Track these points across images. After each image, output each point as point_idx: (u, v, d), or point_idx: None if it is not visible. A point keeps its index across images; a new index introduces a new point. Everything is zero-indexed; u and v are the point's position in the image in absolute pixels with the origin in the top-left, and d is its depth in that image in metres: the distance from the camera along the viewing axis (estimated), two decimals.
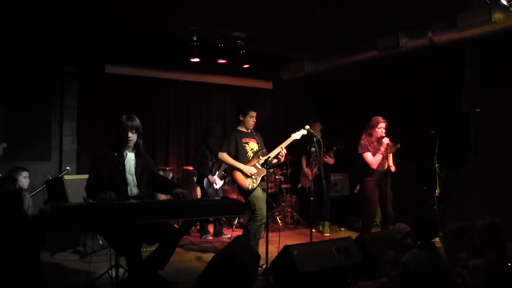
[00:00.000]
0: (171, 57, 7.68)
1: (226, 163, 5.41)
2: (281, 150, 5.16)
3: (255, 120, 5.38)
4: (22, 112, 6.69)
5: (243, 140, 5.28)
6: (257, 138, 5.39)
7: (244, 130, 5.35)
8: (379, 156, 5.55)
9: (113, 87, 7.64)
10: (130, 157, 3.90)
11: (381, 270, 4.15)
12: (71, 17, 6.06)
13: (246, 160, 5.19)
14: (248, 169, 5.10)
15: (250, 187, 5.06)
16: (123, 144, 3.87)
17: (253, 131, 5.40)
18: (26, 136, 6.69)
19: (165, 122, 8.18)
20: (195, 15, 6.08)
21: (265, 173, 5.09)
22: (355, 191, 6.36)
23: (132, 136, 3.86)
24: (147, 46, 7.41)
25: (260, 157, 5.19)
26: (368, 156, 5.60)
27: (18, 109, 6.65)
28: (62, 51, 6.68)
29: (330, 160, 7.04)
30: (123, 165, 3.85)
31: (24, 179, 5.40)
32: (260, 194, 5.12)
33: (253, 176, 5.10)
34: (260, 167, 5.15)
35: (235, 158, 5.17)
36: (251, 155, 5.25)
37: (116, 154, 3.84)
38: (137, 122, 3.90)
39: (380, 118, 5.65)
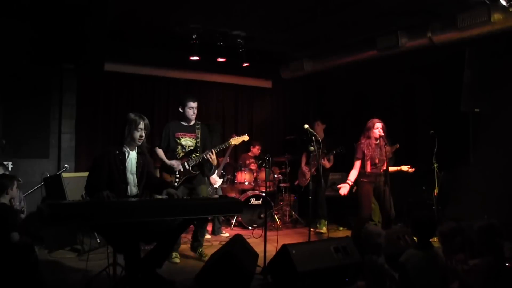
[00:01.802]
0: (171, 55, 7.67)
1: (160, 159, 5.10)
2: (209, 153, 5.07)
3: (195, 112, 5.15)
4: (20, 109, 6.67)
5: (177, 134, 5.10)
6: (200, 133, 5.16)
7: (183, 123, 5.14)
8: (354, 173, 5.57)
9: (112, 85, 7.63)
10: (131, 156, 3.89)
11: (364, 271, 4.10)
12: (70, 14, 6.04)
13: (174, 157, 5.04)
14: (174, 164, 4.94)
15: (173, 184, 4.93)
16: (132, 142, 3.84)
17: (198, 124, 5.20)
18: (25, 133, 6.67)
19: (164, 120, 8.12)
20: (194, 13, 6.07)
21: (193, 176, 4.96)
22: (353, 190, 6.37)
23: (144, 136, 3.85)
24: (147, 44, 7.40)
25: (193, 156, 5.04)
26: (356, 164, 5.63)
27: (16, 106, 6.63)
28: (60, 48, 6.66)
29: (327, 164, 7.02)
30: (124, 164, 3.83)
31: (15, 189, 5.26)
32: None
33: (177, 174, 4.96)
34: (187, 167, 5.02)
35: (166, 153, 5.04)
36: (181, 153, 5.09)
37: (117, 152, 3.82)
38: (147, 121, 3.89)
39: (375, 119, 5.64)
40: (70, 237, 5.59)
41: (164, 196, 3.88)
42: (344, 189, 5.58)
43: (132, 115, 3.85)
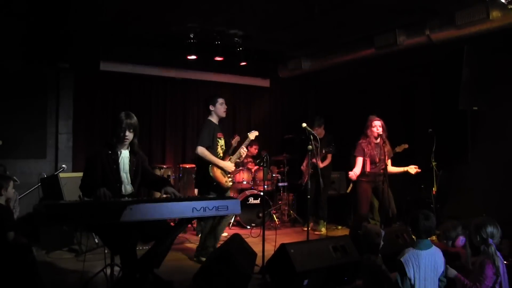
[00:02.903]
0: (168, 54, 7.65)
1: (205, 159, 4.96)
2: (244, 150, 5.17)
3: (225, 107, 5.19)
4: (17, 109, 6.64)
5: (218, 134, 5.12)
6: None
7: (216, 122, 5.15)
8: (358, 169, 5.54)
9: (109, 85, 7.60)
10: (124, 155, 3.87)
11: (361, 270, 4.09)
12: (65, 13, 6.02)
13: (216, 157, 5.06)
14: (229, 166, 5.02)
15: (227, 185, 5.02)
16: (119, 142, 3.82)
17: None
18: (21, 134, 6.64)
19: (161, 119, 8.14)
20: (192, 12, 6.04)
21: (236, 173, 5.06)
22: (348, 191, 6.37)
23: (129, 135, 3.82)
24: (143, 43, 7.37)
25: (232, 156, 5.08)
26: (358, 161, 5.60)
27: (13, 106, 6.60)
28: (55, 47, 6.63)
29: (319, 163, 6.99)
30: (117, 163, 3.81)
31: (11, 190, 5.23)
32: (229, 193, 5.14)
33: (230, 175, 5.05)
34: (233, 166, 5.12)
35: None
36: (220, 152, 5.14)
37: (110, 152, 3.81)
38: (134, 120, 3.86)
39: (374, 117, 5.63)
40: (68, 238, 5.57)
41: (164, 195, 3.86)
42: (353, 175, 5.57)
43: (119, 114, 3.84)
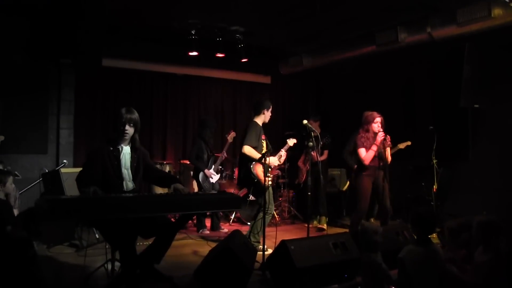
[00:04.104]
0: (169, 51, 7.64)
1: (250, 157, 5.21)
2: (282, 154, 5.41)
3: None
4: (18, 105, 6.65)
5: (263, 137, 5.33)
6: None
7: (260, 124, 5.37)
8: (371, 153, 5.49)
9: (111, 80, 7.61)
10: (125, 151, 3.87)
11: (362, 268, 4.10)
12: (67, 9, 6.01)
13: None
14: (272, 161, 5.22)
15: (266, 184, 5.14)
16: (119, 136, 3.83)
17: None
18: (23, 129, 6.65)
19: (162, 115, 8.15)
20: (193, 8, 6.04)
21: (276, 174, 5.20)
22: (344, 189, 6.40)
23: (129, 129, 3.82)
24: (145, 39, 7.37)
25: (270, 157, 5.20)
26: (361, 151, 5.57)
27: (14, 101, 6.61)
28: (57, 43, 6.63)
29: (314, 157, 6.99)
30: (119, 160, 3.81)
31: (10, 185, 5.26)
32: (270, 190, 5.25)
33: (269, 174, 5.20)
34: (277, 160, 5.36)
35: None
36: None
37: (111, 148, 3.81)
38: (135, 115, 3.86)
39: (375, 113, 5.61)
40: (69, 233, 5.58)
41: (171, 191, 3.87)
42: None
43: (121, 109, 3.85)
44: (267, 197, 5.02)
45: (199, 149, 6.58)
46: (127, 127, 3.80)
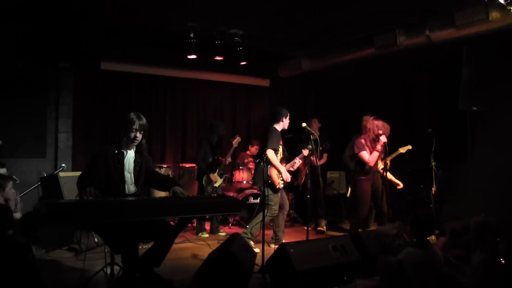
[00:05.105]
0: (168, 54, 7.65)
1: (270, 161, 5.47)
2: (297, 162, 5.81)
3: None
4: (17, 109, 6.65)
5: (280, 142, 5.63)
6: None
7: (280, 131, 5.65)
8: (375, 154, 5.53)
9: (109, 84, 7.61)
10: (129, 155, 3.89)
11: (377, 270, 4.13)
12: (66, 12, 6.02)
13: None
14: (286, 174, 5.54)
15: (279, 186, 5.53)
16: (129, 142, 3.84)
17: None
18: (21, 133, 6.65)
19: (161, 119, 8.15)
20: (192, 12, 6.05)
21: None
22: (347, 195, 6.42)
23: (139, 136, 3.84)
24: (144, 42, 7.37)
25: (286, 164, 5.61)
26: (364, 154, 5.59)
27: (13, 105, 6.61)
28: (56, 47, 6.63)
29: (314, 161, 6.99)
30: (122, 163, 3.82)
31: (10, 191, 5.23)
32: (279, 195, 5.61)
33: (282, 179, 5.55)
34: (289, 177, 5.64)
35: None
36: (279, 158, 5.60)
37: (116, 151, 3.82)
38: (145, 121, 3.89)
39: (377, 120, 5.65)
40: (68, 237, 5.56)
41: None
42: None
43: (130, 115, 3.85)
44: (274, 199, 5.49)
45: (205, 152, 6.59)
46: (138, 134, 3.82)
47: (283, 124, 5.70)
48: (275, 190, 5.55)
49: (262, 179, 5.37)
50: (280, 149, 5.67)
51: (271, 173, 5.52)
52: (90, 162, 3.86)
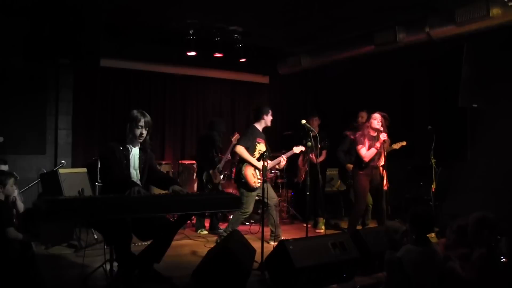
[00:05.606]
0: (167, 51, 7.64)
1: (241, 157, 5.47)
2: (282, 160, 5.60)
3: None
4: (17, 106, 6.63)
5: (257, 139, 5.53)
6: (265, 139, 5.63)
7: (260, 129, 5.59)
8: (372, 150, 5.48)
9: (109, 81, 7.60)
10: (134, 152, 3.90)
11: (377, 266, 4.13)
12: (65, 9, 6.00)
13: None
14: (258, 164, 5.38)
15: (255, 185, 5.40)
16: (134, 139, 3.84)
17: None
18: (21, 130, 6.63)
19: (161, 116, 8.14)
20: (191, 9, 6.04)
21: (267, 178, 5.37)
22: (337, 188, 6.42)
23: (145, 133, 3.86)
24: (143, 39, 7.36)
25: (268, 161, 5.27)
26: (361, 149, 5.55)
27: (12, 102, 6.59)
28: (55, 44, 6.61)
29: (314, 159, 6.98)
30: (128, 159, 3.83)
31: (11, 187, 5.20)
32: (255, 195, 5.48)
33: (258, 175, 5.42)
34: (261, 165, 5.36)
35: None
36: (257, 156, 5.48)
37: (121, 148, 3.83)
38: (149, 118, 3.90)
39: (376, 113, 5.61)
40: (67, 233, 5.56)
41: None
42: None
43: (134, 112, 3.86)
44: (248, 199, 5.40)
45: (205, 149, 6.58)
46: (143, 131, 3.82)
47: (264, 122, 5.62)
48: (249, 189, 5.45)
49: (238, 179, 5.48)
50: (261, 147, 5.56)
51: (246, 172, 5.44)
52: (108, 159, 3.79)
